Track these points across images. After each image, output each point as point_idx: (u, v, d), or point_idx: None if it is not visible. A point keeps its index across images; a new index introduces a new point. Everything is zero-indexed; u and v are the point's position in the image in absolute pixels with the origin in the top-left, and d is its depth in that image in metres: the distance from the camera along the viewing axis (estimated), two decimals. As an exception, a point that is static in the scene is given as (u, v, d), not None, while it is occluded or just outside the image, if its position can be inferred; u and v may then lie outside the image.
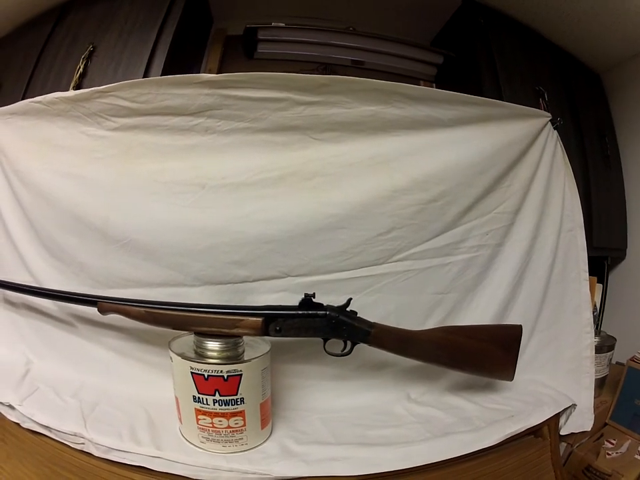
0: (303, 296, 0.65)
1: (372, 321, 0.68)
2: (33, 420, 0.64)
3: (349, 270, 0.73)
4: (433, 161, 0.76)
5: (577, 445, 0.85)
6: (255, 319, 0.63)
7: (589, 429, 0.76)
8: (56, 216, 0.79)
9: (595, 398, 0.80)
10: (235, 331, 0.63)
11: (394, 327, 0.68)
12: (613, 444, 0.86)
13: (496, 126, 0.79)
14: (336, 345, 0.68)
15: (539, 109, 0.87)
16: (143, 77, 0.85)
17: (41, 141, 0.83)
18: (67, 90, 0.88)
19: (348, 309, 0.66)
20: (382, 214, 0.73)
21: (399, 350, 0.68)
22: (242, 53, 1.01)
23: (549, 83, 1.01)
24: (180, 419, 0.65)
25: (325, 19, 1.03)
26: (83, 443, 0.61)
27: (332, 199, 0.72)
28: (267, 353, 0.63)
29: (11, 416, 0.66)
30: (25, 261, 0.83)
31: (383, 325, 0.67)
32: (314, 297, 0.65)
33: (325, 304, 0.66)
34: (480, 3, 1.01)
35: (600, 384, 0.94)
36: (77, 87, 0.88)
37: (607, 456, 0.83)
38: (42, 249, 0.81)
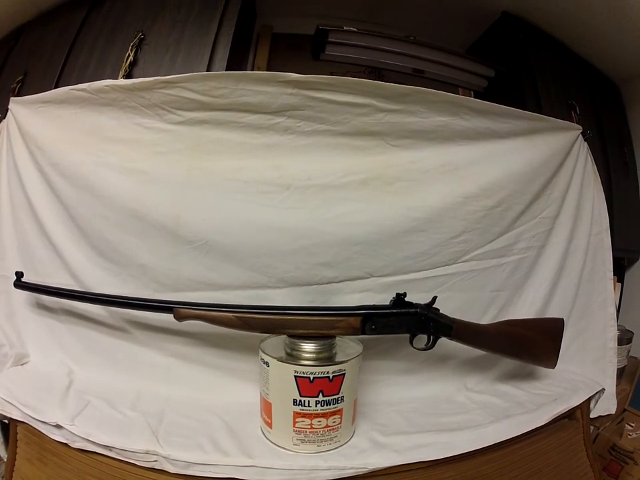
0: (394, 295, 0.68)
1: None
2: (89, 440, 0.59)
3: (425, 270, 0.77)
4: (493, 169, 0.81)
5: (602, 427, 0.96)
6: (354, 318, 0.65)
7: (614, 412, 0.86)
8: (109, 213, 0.74)
9: (616, 386, 0.90)
10: (332, 331, 0.64)
11: (470, 322, 0.73)
12: (632, 426, 0.98)
13: (540, 138, 0.87)
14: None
15: (572, 121, 0.95)
16: (206, 70, 0.82)
17: (87, 132, 0.77)
18: (113, 78, 0.82)
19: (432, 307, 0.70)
20: (454, 218, 0.78)
21: (473, 342, 0.73)
22: (287, 51, 1.00)
23: (578, 96, 1.08)
24: (269, 424, 0.64)
25: (363, 20, 1.05)
26: (156, 461, 0.58)
27: (414, 203, 0.75)
28: (362, 351, 0.65)
29: (56, 435, 0.60)
30: (67, 263, 0.77)
31: (461, 320, 0.72)
32: (405, 296, 0.68)
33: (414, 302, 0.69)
34: (518, 16, 1.06)
35: (619, 374, 1.03)
36: (127, 76, 0.83)
37: (629, 436, 0.95)
38: (89, 250, 0.76)
